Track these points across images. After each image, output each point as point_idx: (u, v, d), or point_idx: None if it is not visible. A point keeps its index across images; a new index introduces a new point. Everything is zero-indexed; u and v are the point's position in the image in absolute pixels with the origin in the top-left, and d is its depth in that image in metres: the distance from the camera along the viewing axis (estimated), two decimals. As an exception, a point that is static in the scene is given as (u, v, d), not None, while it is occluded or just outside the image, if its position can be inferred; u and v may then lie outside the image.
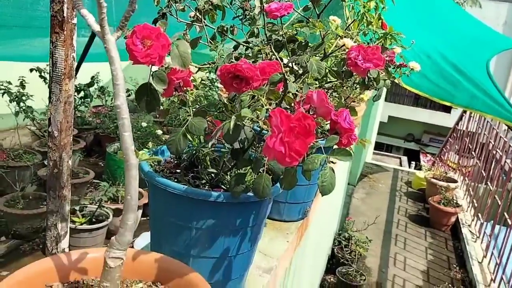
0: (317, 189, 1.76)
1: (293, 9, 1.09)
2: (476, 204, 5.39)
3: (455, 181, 6.19)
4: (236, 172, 1.07)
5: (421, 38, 4.22)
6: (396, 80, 1.48)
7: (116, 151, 3.89)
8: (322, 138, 0.96)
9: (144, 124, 4.07)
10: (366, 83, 1.17)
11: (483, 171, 5.45)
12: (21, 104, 3.54)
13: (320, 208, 2.39)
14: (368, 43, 2.65)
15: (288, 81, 0.82)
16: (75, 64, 0.90)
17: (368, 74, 1.15)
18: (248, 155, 1.00)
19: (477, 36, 4.98)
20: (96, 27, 0.60)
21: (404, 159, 13.87)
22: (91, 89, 4.62)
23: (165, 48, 0.80)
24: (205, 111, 0.98)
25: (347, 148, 0.88)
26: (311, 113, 0.94)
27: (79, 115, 4.59)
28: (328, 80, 1.22)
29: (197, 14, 1.09)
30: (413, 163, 12.85)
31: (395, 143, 18.02)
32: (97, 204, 2.96)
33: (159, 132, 3.93)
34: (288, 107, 0.94)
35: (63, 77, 0.88)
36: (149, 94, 0.85)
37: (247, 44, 1.15)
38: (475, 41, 4.79)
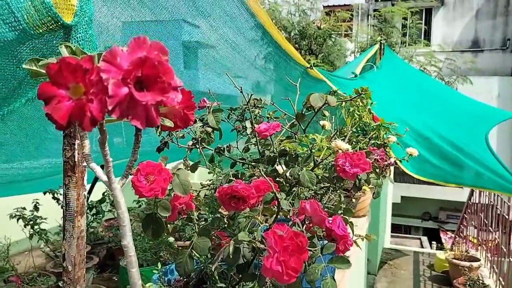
0: None
1: (281, 126, 1.20)
2: (503, 282, 5.15)
3: (477, 260, 5.97)
4: (244, 285, 1.10)
5: (415, 122, 4.39)
6: (391, 175, 1.55)
7: (129, 264, 3.87)
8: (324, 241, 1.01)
9: (155, 234, 4.09)
10: (358, 185, 1.25)
11: (503, 247, 5.29)
12: (35, 227, 3.63)
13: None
14: (364, 135, 2.78)
15: (280, 199, 0.89)
16: (86, 201, 0.99)
17: (358, 177, 1.23)
18: (253, 269, 1.05)
19: (471, 112, 5.15)
20: (104, 178, 0.69)
21: (424, 239, 13.47)
22: (103, 204, 4.73)
23: (166, 181, 0.89)
24: (209, 230, 1.04)
25: (345, 256, 0.92)
26: (306, 222, 1.00)
27: (91, 230, 4.65)
28: (322, 186, 1.30)
29: (193, 141, 1.21)
30: (434, 243, 12.46)
31: (413, 223, 17.63)
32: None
33: (171, 239, 3.94)
34: (286, 219, 1.00)
35: (75, 215, 0.96)
36: (155, 223, 0.92)
37: (243, 161, 1.25)
38: (470, 117, 4.95)
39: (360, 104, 2.43)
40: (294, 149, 1.19)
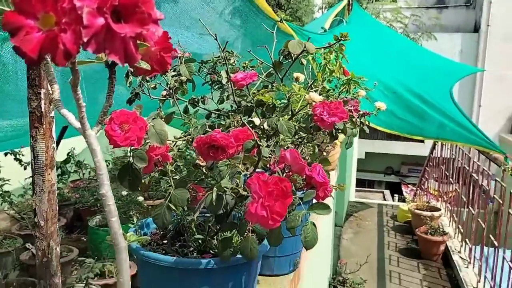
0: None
1: (258, 76, 1.17)
2: (462, 230, 5.45)
3: (438, 209, 6.27)
4: (222, 235, 1.10)
5: (383, 76, 4.43)
6: (365, 126, 1.56)
7: (98, 224, 3.84)
8: (301, 191, 1.01)
9: (124, 193, 4.05)
10: (334, 134, 1.24)
11: (463, 196, 5.56)
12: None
13: (310, 257, 2.40)
14: (334, 89, 2.79)
15: (261, 147, 0.87)
16: (55, 153, 0.94)
17: (335, 127, 1.22)
18: (232, 217, 1.04)
19: (436, 66, 5.24)
20: (77, 124, 0.65)
21: (387, 192, 13.99)
22: (68, 165, 4.60)
23: (142, 129, 0.85)
24: (186, 181, 1.02)
25: (325, 202, 0.93)
26: (286, 171, 0.99)
27: (57, 192, 4.54)
28: (299, 136, 1.28)
29: (168, 91, 1.16)
30: (396, 195, 12.97)
31: (376, 178, 18.22)
32: (85, 282, 2.88)
33: (140, 199, 3.91)
34: (264, 168, 0.99)
35: (45, 168, 0.91)
36: (131, 174, 0.89)
37: (219, 112, 1.22)
38: (435, 71, 5.04)
39: (332, 57, 2.41)
40: (271, 99, 1.17)
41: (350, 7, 6.13)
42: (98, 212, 4.16)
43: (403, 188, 14.69)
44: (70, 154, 4.58)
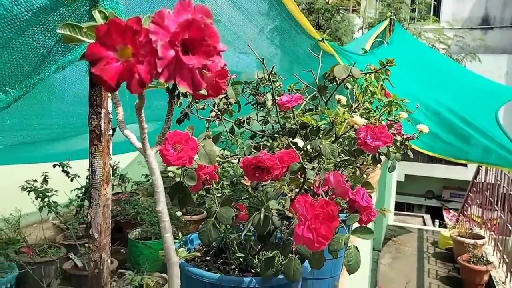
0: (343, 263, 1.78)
1: (303, 99, 1.19)
2: (507, 260, 5.20)
3: (482, 237, 6.02)
4: (264, 255, 1.12)
5: (426, 97, 4.36)
6: (409, 150, 1.55)
7: (137, 237, 3.93)
8: (345, 215, 1.02)
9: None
10: (378, 158, 1.25)
11: (508, 224, 5.32)
12: (46, 199, 3.67)
13: (348, 281, 2.37)
14: (375, 111, 2.77)
15: (306, 169, 0.90)
16: (111, 170, 1.00)
17: (378, 150, 1.23)
18: (274, 238, 1.06)
19: (481, 88, 5.11)
20: (138, 145, 0.69)
21: (427, 217, 13.55)
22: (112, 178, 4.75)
23: (194, 150, 0.89)
24: (231, 200, 1.05)
25: (368, 226, 0.93)
26: (329, 194, 1.01)
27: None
28: (341, 159, 1.30)
29: (216, 112, 1.21)
30: (437, 221, 12.55)
31: (416, 201, 17.73)
32: (124, 294, 2.95)
33: (179, 213, 3.99)
34: (308, 190, 1.01)
35: (101, 183, 0.97)
36: (181, 192, 0.93)
37: (263, 133, 1.25)
38: (480, 93, 4.91)
39: (373, 79, 2.42)
40: (316, 122, 1.19)
41: (392, 27, 6.10)
42: (138, 225, 4.26)
43: (445, 213, 14.19)
44: (115, 167, 4.73)
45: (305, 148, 1.16)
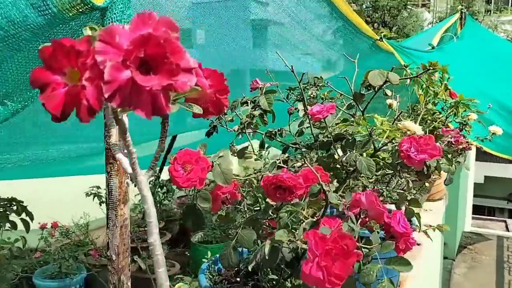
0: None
1: (337, 107, 1.09)
2: None
3: None
4: (296, 280, 1.02)
5: (501, 95, 3.98)
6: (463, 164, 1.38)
7: (200, 240, 3.97)
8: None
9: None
10: (426, 173, 1.10)
11: None
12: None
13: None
14: (440, 112, 2.55)
15: (328, 192, 0.79)
16: (129, 188, 0.96)
17: (427, 164, 1.09)
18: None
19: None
20: (129, 170, 0.64)
21: (510, 222, 12.50)
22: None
23: (204, 170, 0.83)
24: (254, 221, 0.97)
25: (404, 257, 0.81)
26: (362, 216, 0.89)
27: (164, 208, 4.80)
28: (386, 173, 1.17)
29: (244, 124, 1.13)
30: (521, 226, 11.52)
31: (497, 204, 16.44)
32: (180, 300, 2.97)
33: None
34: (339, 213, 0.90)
35: (118, 203, 0.93)
36: (195, 215, 0.87)
37: (295, 145, 1.16)
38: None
39: (434, 79, 2.23)
40: (352, 132, 1.08)
41: (463, 21, 5.67)
42: (202, 229, 4.31)
43: (530, 218, 13.01)
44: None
45: (341, 161, 1.05)
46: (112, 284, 0.95)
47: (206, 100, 0.67)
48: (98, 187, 3.82)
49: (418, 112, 2.55)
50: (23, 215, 2.56)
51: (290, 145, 1.19)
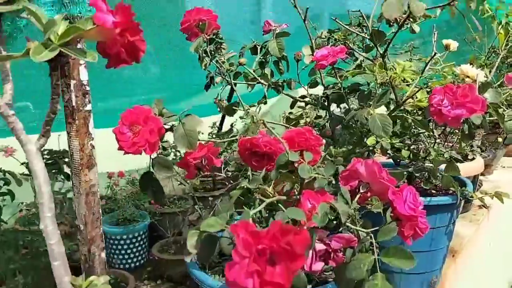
0: (446, 254, 1.41)
1: (350, 50, 0.86)
2: None
3: None
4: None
5: None
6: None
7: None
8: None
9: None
10: (468, 132, 0.85)
11: None
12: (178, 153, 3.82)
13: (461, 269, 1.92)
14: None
15: (296, 163, 0.60)
16: (94, 151, 0.84)
17: (468, 121, 0.84)
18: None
19: None
20: (20, 136, 0.50)
21: None
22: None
23: (153, 133, 0.67)
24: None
25: (404, 248, 0.61)
26: (361, 191, 0.69)
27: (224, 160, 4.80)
28: (416, 132, 0.93)
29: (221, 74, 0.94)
30: None
31: None
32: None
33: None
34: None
35: (80, 168, 0.82)
36: (154, 184, 0.73)
37: (303, 99, 0.95)
38: None
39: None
40: (369, 82, 0.85)
41: None
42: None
43: None
44: (233, 125, 4.74)
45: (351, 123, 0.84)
46: (83, 255, 0.86)
47: (112, 40, 0.50)
48: (201, 133, 3.86)
49: (497, 53, 2.17)
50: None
51: (298, 98, 0.99)
